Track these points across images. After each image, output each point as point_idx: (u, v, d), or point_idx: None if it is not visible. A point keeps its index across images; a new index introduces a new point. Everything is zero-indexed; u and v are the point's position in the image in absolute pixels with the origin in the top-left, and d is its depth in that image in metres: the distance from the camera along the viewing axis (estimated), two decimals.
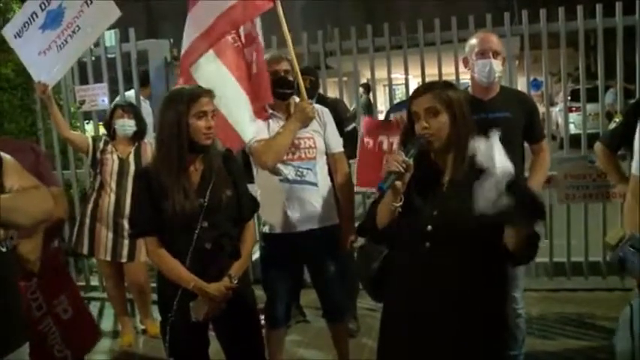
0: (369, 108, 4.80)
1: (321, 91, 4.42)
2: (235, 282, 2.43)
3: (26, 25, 3.69)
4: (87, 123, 5.45)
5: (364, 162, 3.30)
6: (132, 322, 4.44)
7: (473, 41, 3.00)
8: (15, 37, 3.73)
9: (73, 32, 3.63)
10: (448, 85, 2.07)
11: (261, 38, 3.15)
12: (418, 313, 2.02)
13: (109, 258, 4.07)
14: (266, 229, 3.06)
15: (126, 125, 4.06)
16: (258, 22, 3.17)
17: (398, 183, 1.93)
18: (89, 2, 3.59)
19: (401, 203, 1.98)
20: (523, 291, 3.17)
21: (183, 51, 3.20)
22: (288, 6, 3.27)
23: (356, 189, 3.32)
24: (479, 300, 1.96)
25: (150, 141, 4.23)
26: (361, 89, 6.80)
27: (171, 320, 2.43)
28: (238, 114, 3.05)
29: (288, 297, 3.14)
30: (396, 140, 3.21)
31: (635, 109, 3.36)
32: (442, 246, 1.95)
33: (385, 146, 3.26)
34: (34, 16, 3.67)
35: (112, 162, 4.06)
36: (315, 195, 3.00)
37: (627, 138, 3.34)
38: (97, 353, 4.10)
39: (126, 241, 4.03)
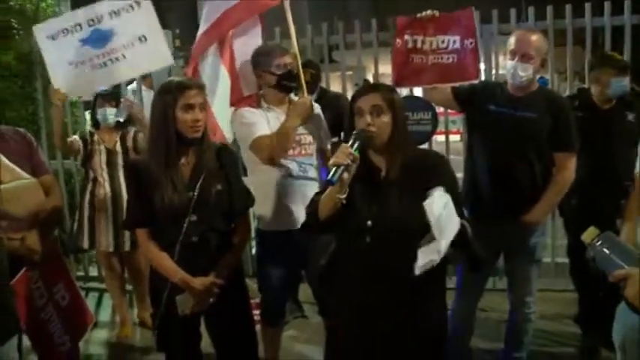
0: None
1: (324, 84, 4.38)
2: (223, 277, 2.40)
3: (65, 31, 3.56)
4: (88, 112, 5.42)
5: (396, 62, 3.24)
6: (130, 313, 4.42)
7: (512, 38, 2.92)
8: (47, 37, 3.61)
9: (117, 59, 3.53)
10: (392, 89, 2.21)
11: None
12: (363, 305, 2.09)
13: (111, 249, 4.05)
14: (261, 225, 3.03)
15: (107, 114, 3.98)
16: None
17: (345, 175, 1.97)
18: (143, 39, 3.51)
19: (345, 195, 2.02)
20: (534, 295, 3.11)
21: (195, 43, 3.25)
22: None
23: None
24: (420, 294, 2.02)
25: (135, 128, 4.12)
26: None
27: (161, 313, 2.42)
28: (223, 110, 3.12)
29: (284, 294, 3.12)
30: (420, 39, 3.17)
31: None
32: (382, 241, 2.01)
33: (410, 44, 3.21)
34: (78, 27, 3.56)
35: (99, 153, 4.02)
36: (314, 190, 2.96)
37: None
38: (93, 344, 4.11)
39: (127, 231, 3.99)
